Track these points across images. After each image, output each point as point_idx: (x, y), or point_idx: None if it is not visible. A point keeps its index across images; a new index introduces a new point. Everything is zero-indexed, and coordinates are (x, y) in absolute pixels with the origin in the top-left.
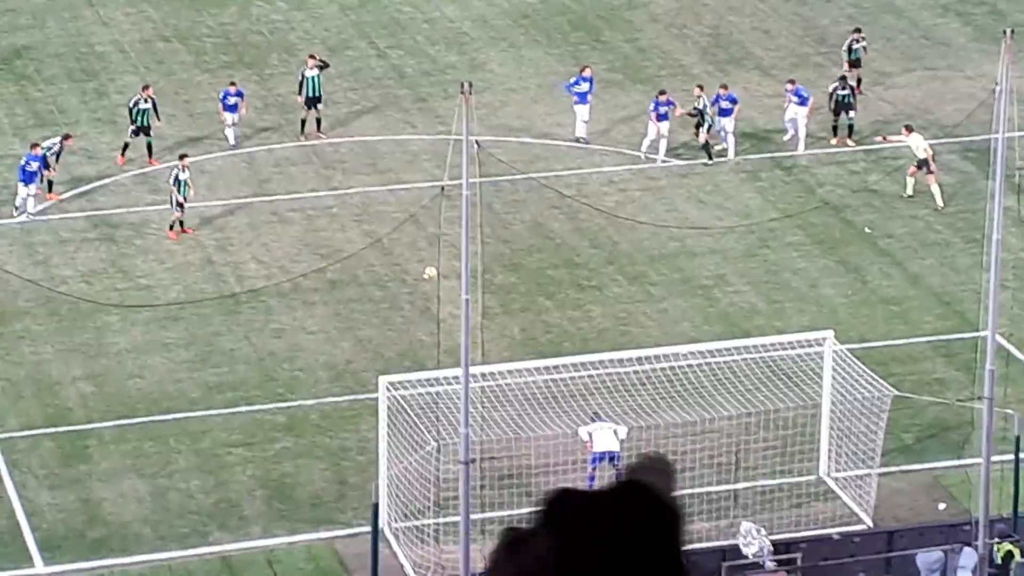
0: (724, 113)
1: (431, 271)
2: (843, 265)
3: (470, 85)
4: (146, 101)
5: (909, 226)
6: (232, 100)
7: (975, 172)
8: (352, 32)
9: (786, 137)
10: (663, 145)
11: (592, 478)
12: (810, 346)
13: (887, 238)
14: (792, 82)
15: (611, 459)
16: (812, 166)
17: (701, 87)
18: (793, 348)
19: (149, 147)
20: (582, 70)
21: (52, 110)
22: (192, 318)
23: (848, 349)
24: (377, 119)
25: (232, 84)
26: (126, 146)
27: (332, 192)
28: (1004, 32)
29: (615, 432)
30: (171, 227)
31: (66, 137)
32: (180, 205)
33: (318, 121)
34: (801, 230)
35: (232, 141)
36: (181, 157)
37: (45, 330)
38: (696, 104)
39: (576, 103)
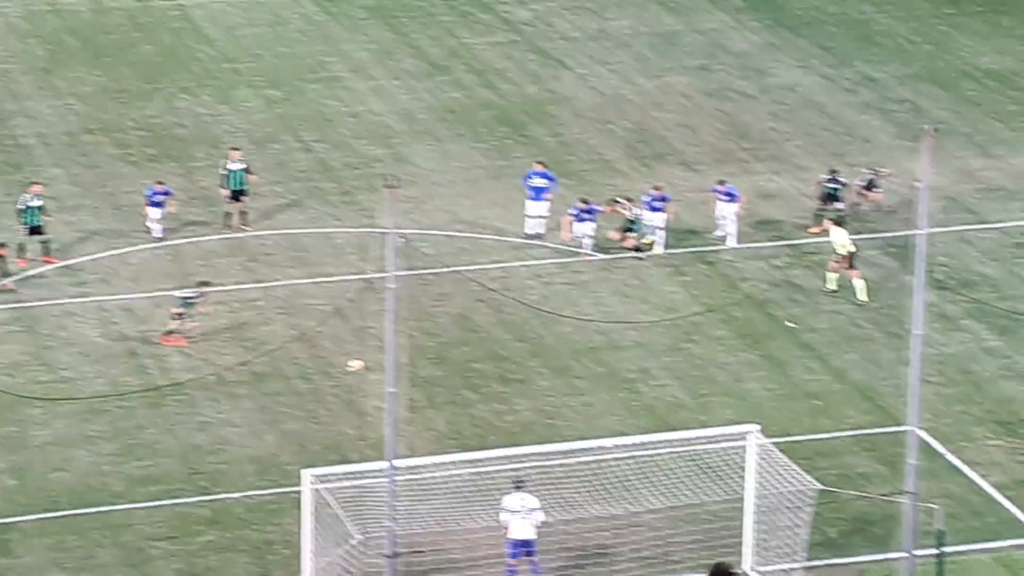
0: (655, 210)
1: (356, 363)
2: (767, 359)
3: (396, 178)
4: (35, 199)
5: (832, 321)
6: (158, 199)
7: (897, 267)
8: (278, 125)
9: (717, 233)
10: (588, 243)
11: (512, 570)
12: (734, 440)
13: (810, 332)
14: (723, 182)
15: (527, 551)
16: (735, 260)
17: (630, 199)
18: (718, 442)
19: (45, 246)
20: (537, 164)
21: None
22: (116, 411)
23: (773, 443)
24: (302, 212)
25: (159, 183)
26: (21, 247)
27: (257, 285)
28: (924, 129)
29: (532, 517)
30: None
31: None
32: (179, 316)
33: (243, 214)
34: (725, 324)
35: (158, 234)
36: (200, 284)
37: None
38: (626, 213)
39: (531, 199)
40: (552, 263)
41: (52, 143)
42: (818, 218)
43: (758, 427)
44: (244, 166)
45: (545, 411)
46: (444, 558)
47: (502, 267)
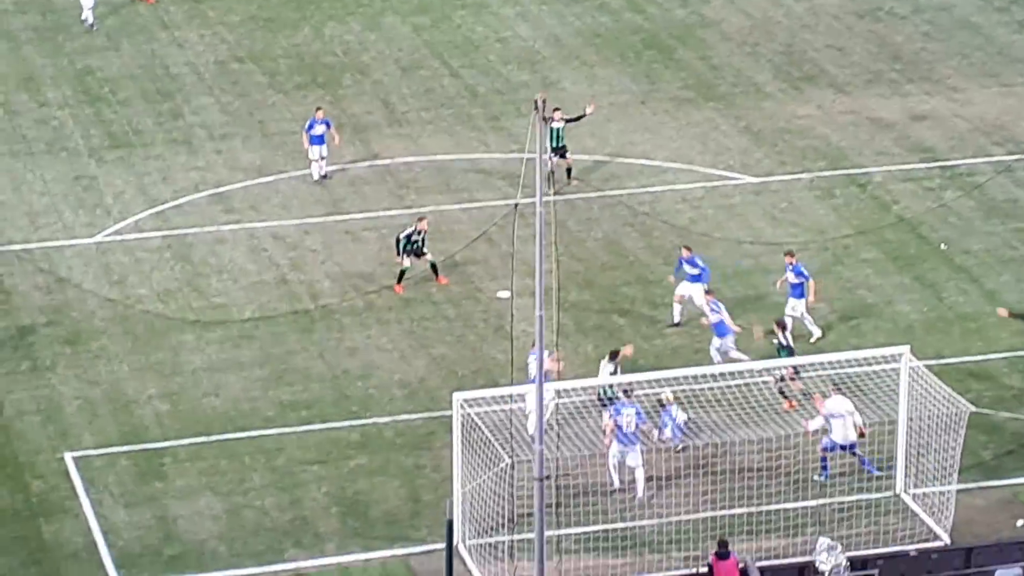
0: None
1: (504, 294)
2: (919, 281)
3: (544, 100)
4: (418, 233)
5: (985, 242)
6: (319, 129)
7: None
8: (425, 52)
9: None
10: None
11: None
12: (886, 362)
13: (963, 254)
14: (791, 254)
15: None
16: (887, 183)
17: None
18: (869, 364)
19: (434, 267)
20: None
21: (127, 131)
22: (266, 336)
23: (925, 365)
24: (450, 138)
25: (319, 109)
26: (402, 273)
27: (406, 211)
28: None
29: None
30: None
31: (420, 219)
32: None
33: (568, 170)
34: (876, 247)
35: (316, 177)
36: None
37: (121, 349)
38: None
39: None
40: (700, 187)
41: (202, 72)
42: None
43: (909, 348)
44: (562, 124)
45: (693, 335)
46: (593, 481)
47: (650, 191)
